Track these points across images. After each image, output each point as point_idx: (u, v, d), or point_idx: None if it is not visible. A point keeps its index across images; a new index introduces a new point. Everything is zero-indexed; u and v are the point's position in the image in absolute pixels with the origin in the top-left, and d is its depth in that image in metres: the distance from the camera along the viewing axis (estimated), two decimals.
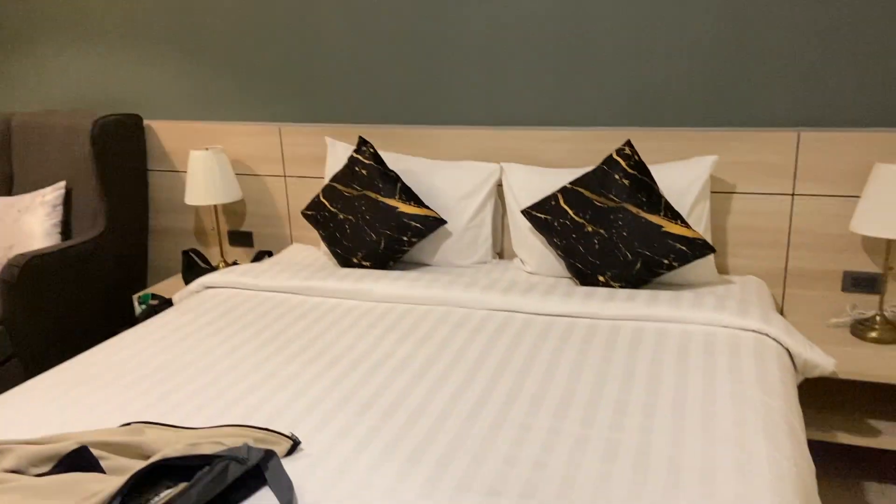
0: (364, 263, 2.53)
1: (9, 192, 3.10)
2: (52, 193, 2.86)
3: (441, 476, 1.35)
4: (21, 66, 3.25)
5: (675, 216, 2.21)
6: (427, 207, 2.49)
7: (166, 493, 1.21)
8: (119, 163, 2.95)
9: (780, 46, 2.31)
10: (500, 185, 2.65)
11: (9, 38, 3.22)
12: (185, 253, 3.01)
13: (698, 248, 2.19)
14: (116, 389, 1.74)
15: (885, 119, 2.27)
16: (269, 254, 3.04)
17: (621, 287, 2.25)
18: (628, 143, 2.29)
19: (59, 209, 2.86)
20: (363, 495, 1.31)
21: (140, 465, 1.31)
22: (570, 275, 2.41)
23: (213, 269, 2.96)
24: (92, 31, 3.08)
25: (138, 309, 2.80)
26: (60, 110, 3.09)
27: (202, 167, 2.81)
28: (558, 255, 2.38)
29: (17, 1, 3.15)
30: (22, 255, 2.53)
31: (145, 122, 3.11)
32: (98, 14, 3.05)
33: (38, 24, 3.15)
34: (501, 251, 2.72)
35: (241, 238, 3.10)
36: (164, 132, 3.08)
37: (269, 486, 1.30)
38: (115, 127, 2.92)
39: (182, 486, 1.21)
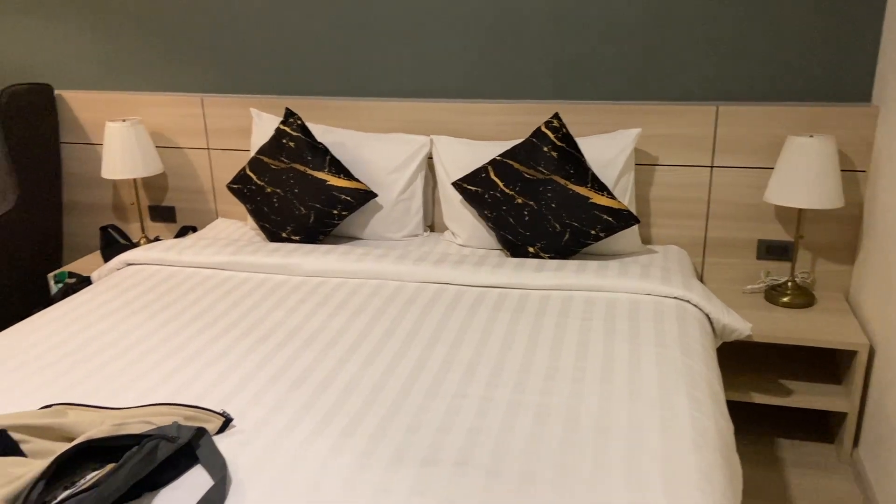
0: (293, 237, 2.49)
1: None
2: None
3: (375, 449, 1.36)
4: None
5: (601, 188, 2.27)
6: (357, 180, 2.47)
7: (93, 475, 1.17)
8: (29, 135, 2.79)
9: (699, 23, 2.38)
10: (430, 158, 2.65)
11: None
12: (104, 229, 2.89)
13: (624, 219, 2.25)
14: (34, 371, 1.66)
15: (797, 94, 2.38)
16: (194, 229, 2.95)
17: (550, 258, 2.29)
18: (556, 116, 2.32)
19: None
20: (297, 470, 1.30)
21: (64, 447, 1.26)
22: (500, 246, 2.44)
23: (133, 245, 2.85)
24: None
25: (54, 288, 2.67)
26: None
27: (119, 140, 2.69)
28: (489, 227, 2.40)
29: None
30: None
31: (56, 91, 2.94)
32: None
33: None
34: (432, 224, 2.72)
35: (163, 213, 2.99)
36: (78, 103, 2.92)
37: (202, 465, 1.27)
38: (24, 97, 2.75)
39: (109, 467, 1.17)
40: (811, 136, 2.18)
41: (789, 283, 2.38)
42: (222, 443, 1.37)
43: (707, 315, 1.98)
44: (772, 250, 2.48)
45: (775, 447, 2.36)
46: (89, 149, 2.97)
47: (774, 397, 2.26)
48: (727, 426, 1.54)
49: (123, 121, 2.72)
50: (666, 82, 2.46)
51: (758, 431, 2.43)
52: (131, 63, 2.87)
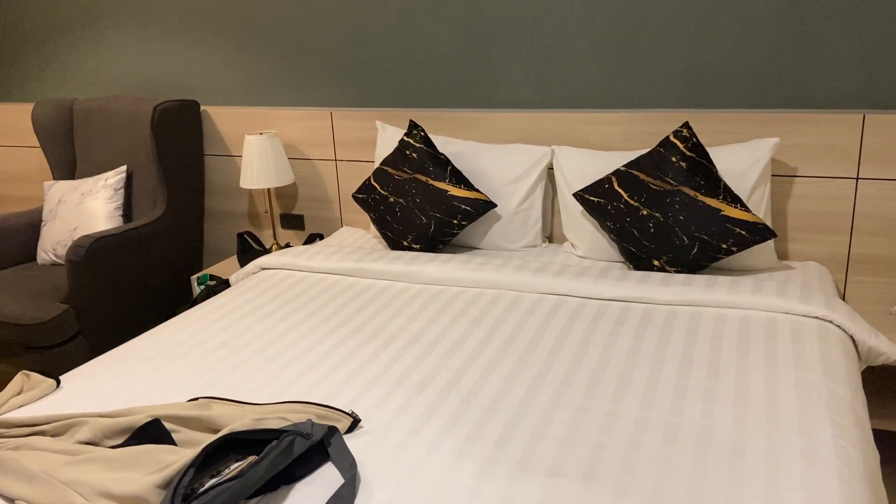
0: (414, 246, 2.55)
1: (71, 175, 3.21)
2: (114, 177, 2.94)
3: (499, 456, 1.37)
4: (81, 51, 3.34)
5: (734, 200, 2.17)
6: (477, 191, 2.49)
7: (236, 466, 1.25)
8: (178, 147, 3.02)
9: (844, 23, 2.23)
10: (550, 168, 2.63)
11: (70, 25, 3.31)
12: (240, 235, 3.07)
13: (759, 233, 2.14)
14: (181, 366, 1.79)
15: None
16: (321, 236, 3.08)
17: (677, 272, 2.22)
18: (686, 125, 2.25)
19: (121, 192, 2.94)
20: (423, 473, 1.33)
21: (210, 438, 1.35)
22: (622, 259, 2.38)
23: (266, 251, 3.01)
24: (150, 17, 3.15)
25: (197, 289, 2.87)
26: (120, 96, 3.17)
27: (256, 151, 2.86)
28: (611, 238, 2.35)
29: None
30: (87, 236, 2.62)
31: (202, 107, 3.17)
32: (156, 0, 3.11)
33: (98, 10, 3.23)
34: (551, 235, 2.71)
35: (292, 221, 3.15)
36: (220, 117, 3.13)
37: (332, 462, 1.33)
38: (175, 113, 2.99)
39: (251, 458, 1.24)
40: None
41: None
42: (351, 442, 1.42)
43: (851, 337, 1.85)
44: None
45: None
46: (229, 160, 3.17)
47: None
48: (873, 455, 1.43)
49: (260, 134, 2.89)
50: (807, 88, 2.33)
51: None
52: (268, 80, 3.05)
